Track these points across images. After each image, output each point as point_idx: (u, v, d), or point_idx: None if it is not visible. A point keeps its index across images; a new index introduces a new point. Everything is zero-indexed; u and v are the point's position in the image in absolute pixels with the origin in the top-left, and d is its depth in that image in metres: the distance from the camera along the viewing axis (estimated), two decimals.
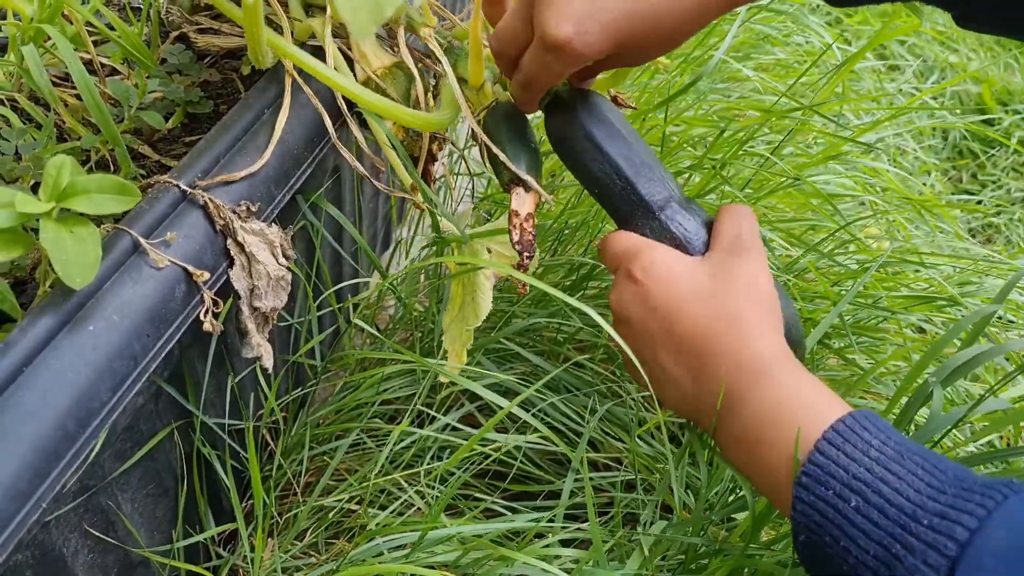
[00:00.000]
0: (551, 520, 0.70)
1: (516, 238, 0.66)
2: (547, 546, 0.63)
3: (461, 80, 0.75)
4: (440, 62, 0.74)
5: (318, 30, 0.73)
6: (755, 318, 0.61)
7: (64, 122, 0.74)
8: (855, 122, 1.36)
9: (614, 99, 0.82)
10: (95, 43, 0.81)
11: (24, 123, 0.74)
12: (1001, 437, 0.97)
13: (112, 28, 0.75)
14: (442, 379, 0.78)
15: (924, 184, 1.74)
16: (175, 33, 0.81)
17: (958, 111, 1.96)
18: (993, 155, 1.90)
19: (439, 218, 0.75)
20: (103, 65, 0.81)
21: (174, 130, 0.76)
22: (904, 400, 0.67)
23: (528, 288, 0.68)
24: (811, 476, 0.51)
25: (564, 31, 0.57)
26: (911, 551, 0.46)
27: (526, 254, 0.65)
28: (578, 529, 0.77)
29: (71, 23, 0.74)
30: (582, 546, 0.78)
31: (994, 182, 1.84)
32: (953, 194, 1.80)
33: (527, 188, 0.68)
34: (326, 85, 0.70)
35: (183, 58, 0.76)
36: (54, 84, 0.78)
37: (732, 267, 0.63)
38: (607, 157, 0.69)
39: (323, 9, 0.75)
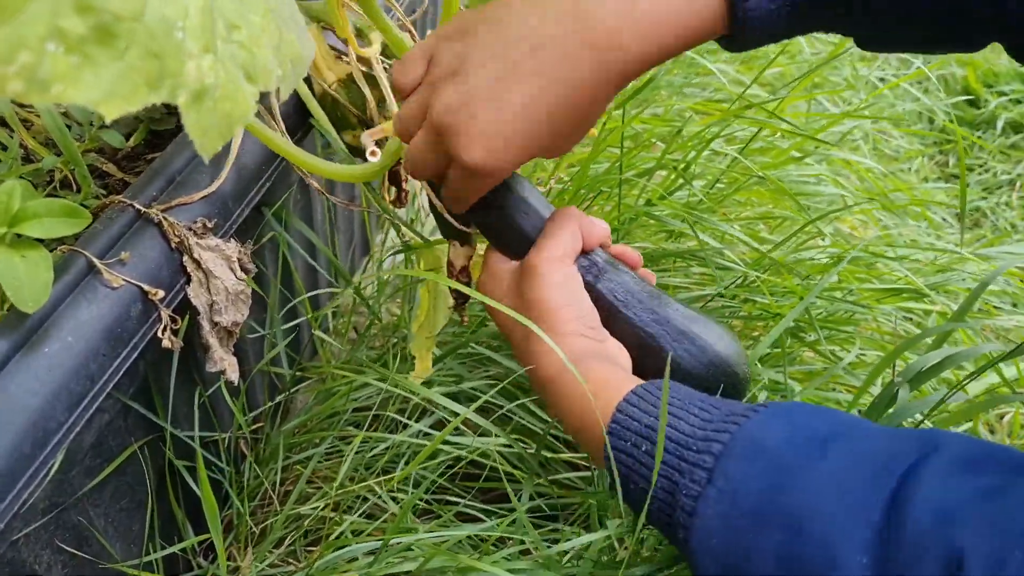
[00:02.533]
0: (512, 524, 0.70)
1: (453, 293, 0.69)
2: (508, 557, 0.64)
3: None
4: (385, 90, 0.75)
5: None
6: (559, 327, 0.65)
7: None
8: (832, 110, 1.36)
9: None
10: None
11: None
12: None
13: None
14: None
15: (909, 170, 1.75)
16: None
17: (941, 95, 1.96)
18: (981, 137, 1.90)
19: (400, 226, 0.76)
20: None
21: (138, 147, 0.76)
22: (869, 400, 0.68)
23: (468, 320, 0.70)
24: (613, 434, 0.58)
25: (477, 157, 0.58)
26: (682, 473, 0.53)
27: (460, 301, 0.68)
28: (553, 530, 0.78)
29: None
30: (553, 543, 0.78)
31: (981, 165, 1.84)
32: (939, 179, 1.80)
33: (463, 243, 0.70)
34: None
35: None
36: (20, 104, 0.79)
37: (527, 295, 0.67)
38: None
39: None
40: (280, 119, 0.70)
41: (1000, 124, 1.91)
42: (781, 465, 0.49)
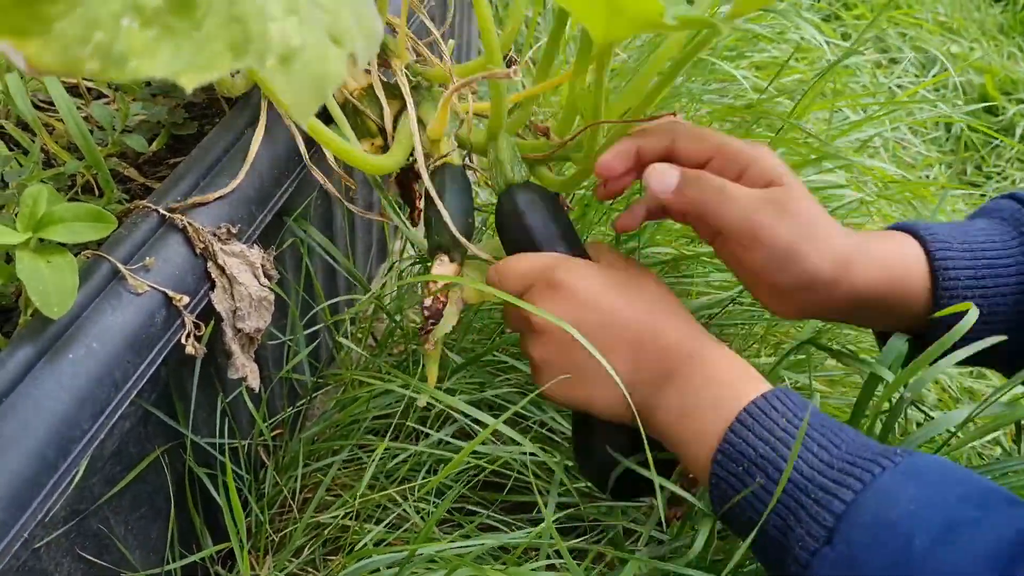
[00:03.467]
0: (540, 536, 0.69)
1: (427, 303, 0.68)
2: (535, 569, 0.63)
3: (421, 123, 0.75)
4: (405, 98, 0.74)
5: None
6: (677, 311, 0.65)
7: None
8: (853, 118, 1.35)
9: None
10: None
11: (12, 149, 0.74)
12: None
13: None
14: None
15: (927, 177, 1.73)
16: None
17: (959, 102, 1.94)
18: (998, 145, 1.88)
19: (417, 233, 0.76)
20: (90, 89, 0.81)
21: (160, 152, 0.76)
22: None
23: (433, 346, 0.69)
24: (724, 454, 0.56)
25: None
26: (799, 522, 0.51)
27: (431, 320, 0.67)
28: (582, 540, 0.77)
29: None
30: (580, 557, 0.77)
31: (998, 173, 1.83)
32: (957, 187, 1.79)
33: (452, 259, 0.71)
34: None
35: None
36: (42, 109, 0.78)
37: (639, 276, 0.67)
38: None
39: None
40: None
41: (1018, 131, 1.89)
42: (906, 547, 0.47)
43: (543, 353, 0.66)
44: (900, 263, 0.66)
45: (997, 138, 1.80)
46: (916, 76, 2.03)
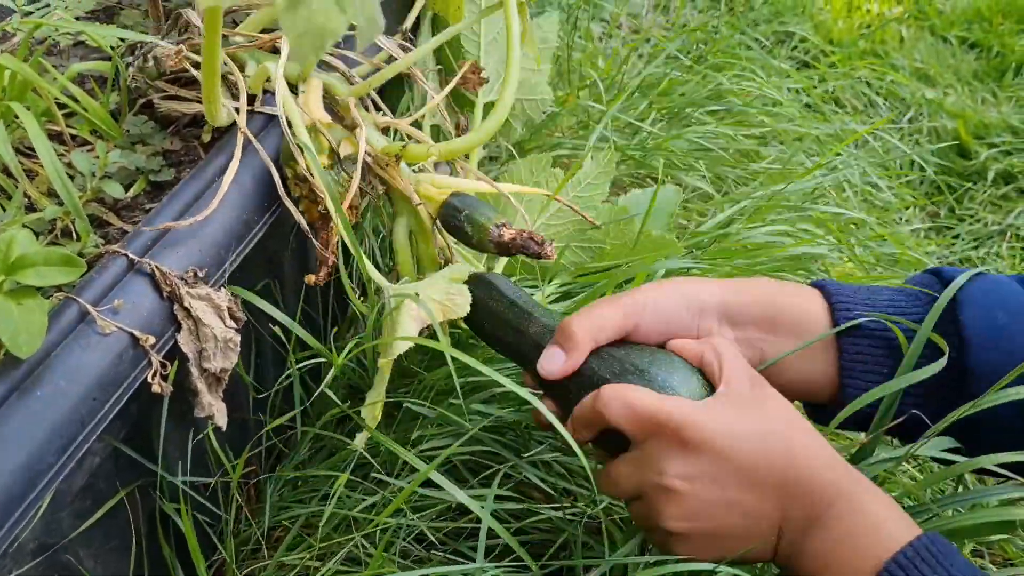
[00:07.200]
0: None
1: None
2: None
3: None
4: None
5: (271, 72, 0.77)
6: (813, 442, 0.64)
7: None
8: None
9: None
10: (69, 114, 0.85)
11: None
12: None
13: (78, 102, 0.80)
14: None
15: (900, 220, 1.77)
16: (141, 100, 0.85)
17: (931, 146, 1.99)
18: (971, 189, 1.93)
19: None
20: (73, 137, 0.85)
21: (138, 197, 0.79)
22: None
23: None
24: None
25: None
26: None
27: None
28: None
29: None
30: None
31: (971, 215, 1.87)
32: (931, 229, 1.82)
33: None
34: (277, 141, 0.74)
35: (145, 128, 0.80)
36: (26, 155, 0.82)
37: (762, 400, 0.66)
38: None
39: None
40: None
41: (991, 175, 1.93)
42: None
43: (682, 516, 0.64)
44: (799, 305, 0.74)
45: (965, 184, 1.85)
46: (893, 122, 2.07)
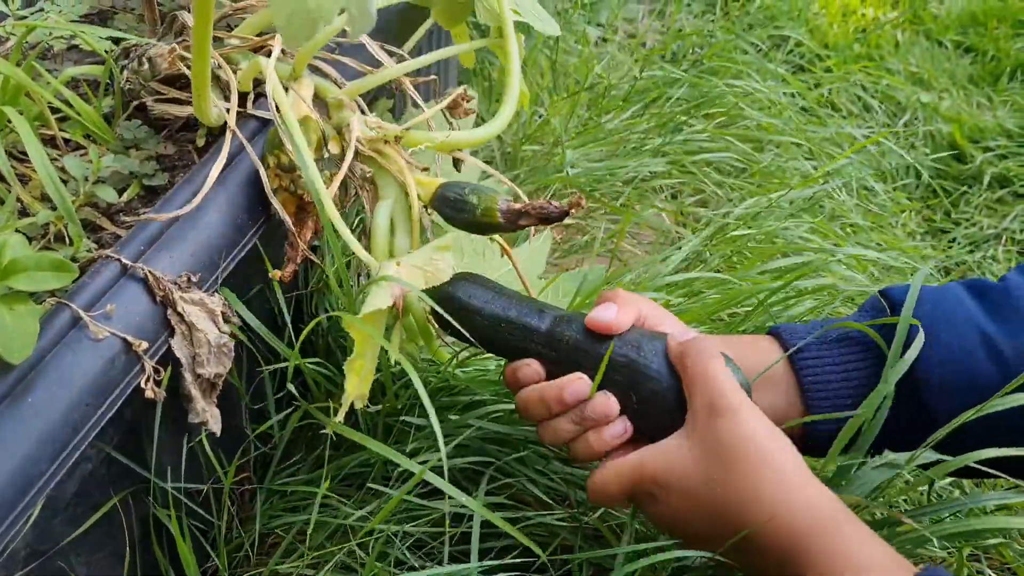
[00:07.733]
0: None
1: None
2: None
3: None
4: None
5: (263, 66, 0.77)
6: (787, 479, 0.63)
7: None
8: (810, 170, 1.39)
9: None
10: (63, 118, 0.85)
11: None
12: None
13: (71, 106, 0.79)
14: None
15: (896, 224, 1.77)
16: (135, 103, 0.85)
17: (927, 151, 1.99)
18: (967, 193, 1.93)
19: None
20: (66, 141, 0.84)
21: (132, 202, 0.79)
22: None
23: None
24: None
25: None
26: None
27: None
28: None
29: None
30: None
31: (967, 219, 1.87)
32: (927, 233, 1.82)
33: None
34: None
35: (139, 132, 0.80)
36: (19, 159, 0.81)
37: (724, 439, 0.65)
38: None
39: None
40: None
41: (986, 179, 1.94)
42: None
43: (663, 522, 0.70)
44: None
45: (961, 188, 1.85)
46: (887, 125, 2.08)
